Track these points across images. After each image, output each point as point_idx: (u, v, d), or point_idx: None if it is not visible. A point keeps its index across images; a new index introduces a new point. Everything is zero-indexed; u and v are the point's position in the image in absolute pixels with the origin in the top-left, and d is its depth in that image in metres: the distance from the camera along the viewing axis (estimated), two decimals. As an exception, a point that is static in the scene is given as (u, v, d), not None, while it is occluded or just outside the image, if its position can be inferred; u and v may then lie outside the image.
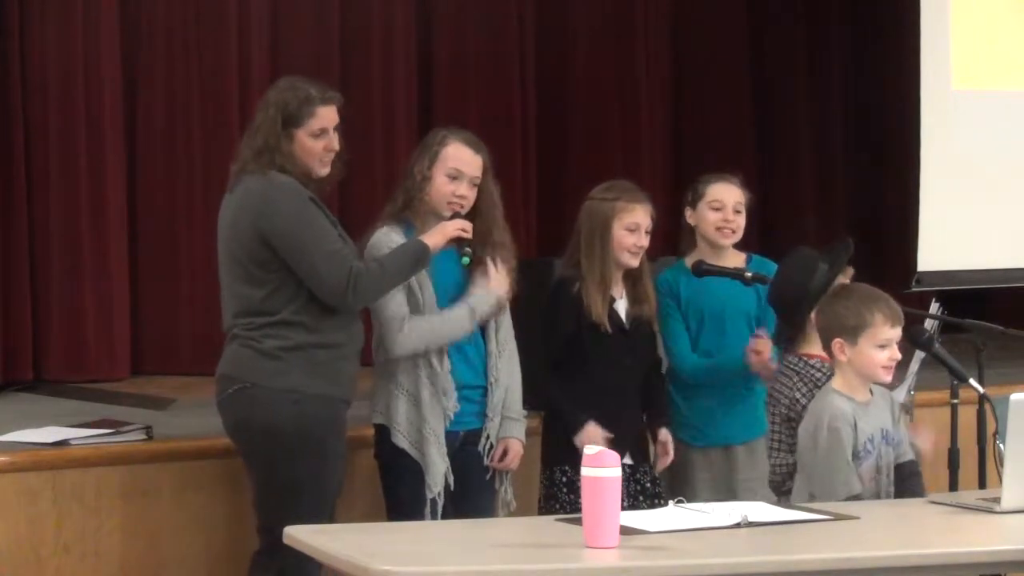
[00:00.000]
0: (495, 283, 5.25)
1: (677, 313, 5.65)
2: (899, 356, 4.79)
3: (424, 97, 8.68)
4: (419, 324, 5.15)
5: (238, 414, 5.01)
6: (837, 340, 4.78)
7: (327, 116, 5.04)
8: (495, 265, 5.26)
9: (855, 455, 4.72)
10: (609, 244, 5.40)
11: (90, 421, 5.89)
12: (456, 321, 5.19)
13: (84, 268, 7.67)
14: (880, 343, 4.75)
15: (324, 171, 5.07)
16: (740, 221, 5.67)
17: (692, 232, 5.72)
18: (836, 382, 4.84)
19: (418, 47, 8.66)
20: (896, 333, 4.77)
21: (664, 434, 5.48)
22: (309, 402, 4.95)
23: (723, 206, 5.65)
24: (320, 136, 5.03)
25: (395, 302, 5.14)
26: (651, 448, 5.53)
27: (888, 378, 4.81)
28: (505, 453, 5.31)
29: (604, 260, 5.39)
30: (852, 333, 4.76)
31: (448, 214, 5.20)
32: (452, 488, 5.19)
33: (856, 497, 4.64)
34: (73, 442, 5.51)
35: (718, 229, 5.64)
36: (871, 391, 4.84)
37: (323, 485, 4.98)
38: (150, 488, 5.48)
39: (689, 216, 5.71)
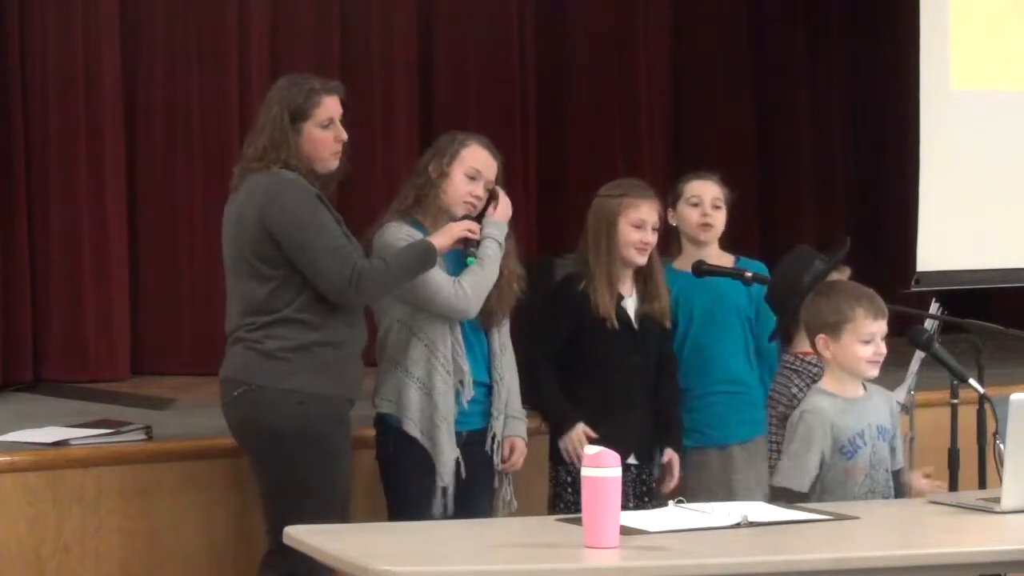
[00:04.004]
0: (500, 212, 5.24)
1: None
2: (884, 351, 4.77)
3: (424, 97, 8.69)
4: (469, 281, 5.14)
5: (243, 416, 5.01)
6: (821, 336, 4.78)
7: (332, 106, 5.05)
8: (496, 200, 5.26)
9: (840, 451, 4.70)
10: (615, 241, 5.40)
11: (90, 421, 5.89)
12: (491, 260, 5.19)
13: (84, 268, 7.67)
14: (863, 338, 4.74)
15: (334, 164, 5.07)
16: (719, 216, 5.68)
17: (678, 236, 5.73)
18: (824, 380, 4.84)
19: (418, 47, 8.67)
20: (879, 327, 4.76)
21: (669, 455, 5.47)
22: (313, 402, 4.94)
23: (701, 202, 5.67)
24: (328, 127, 5.04)
25: (437, 275, 5.11)
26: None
27: (874, 373, 4.79)
28: (510, 452, 5.32)
29: (611, 257, 5.39)
30: (834, 328, 4.75)
31: (461, 213, 5.20)
32: (464, 477, 5.18)
33: (801, 497, 4.60)
34: (73, 442, 5.51)
35: (698, 226, 5.65)
36: (865, 387, 4.83)
37: (330, 485, 4.98)
38: (150, 488, 5.48)
39: (671, 217, 5.71)
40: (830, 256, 5.31)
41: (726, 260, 5.69)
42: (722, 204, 5.69)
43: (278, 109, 5.01)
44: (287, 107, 5.00)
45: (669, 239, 5.77)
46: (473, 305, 5.17)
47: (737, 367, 5.66)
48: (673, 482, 5.47)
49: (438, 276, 5.12)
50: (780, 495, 4.62)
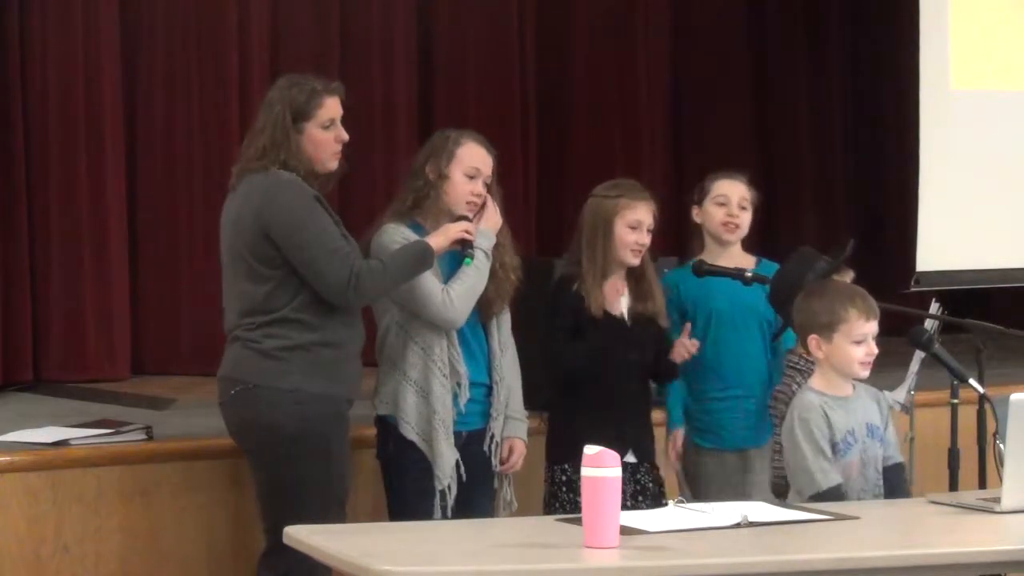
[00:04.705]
0: (488, 220, 5.24)
1: (675, 319, 5.63)
2: (876, 351, 4.77)
3: (424, 97, 8.69)
4: (458, 289, 5.14)
5: (241, 415, 5.01)
6: (813, 337, 4.78)
7: (334, 107, 5.06)
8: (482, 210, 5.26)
9: (833, 449, 4.70)
10: (611, 241, 5.39)
11: (90, 421, 5.89)
12: (479, 270, 5.19)
13: (84, 268, 7.67)
14: (856, 338, 4.74)
15: (334, 164, 5.08)
16: (745, 217, 5.67)
17: (700, 233, 5.72)
18: (814, 380, 4.84)
19: (418, 47, 8.67)
20: (871, 327, 4.76)
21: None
22: (311, 401, 4.94)
23: (728, 201, 5.66)
24: (330, 127, 5.04)
25: (429, 282, 5.12)
26: (654, 447, 5.53)
27: (865, 373, 4.78)
28: (510, 453, 5.32)
29: (605, 257, 5.39)
30: (827, 329, 4.75)
31: (463, 212, 5.20)
32: (463, 480, 5.18)
33: (837, 488, 4.62)
34: (73, 442, 5.51)
35: (723, 224, 5.65)
36: (853, 386, 4.82)
37: (328, 485, 4.97)
38: (150, 488, 5.48)
39: (696, 214, 5.71)
40: (834, 256, 5.31)
41: (748, 261, 5.67)
42: (748, 205, 5.68)
43: (280, 109, 5.01)
44: (289, 107, 5.00)
45: (692, 237, 5.77)
46: (460, 316, 5.16)
47: (755, 369, 5.64)
48: (693, 347, 5.41)
49: (429, 283, 5.11)
50: (821, 499, 4.60)
